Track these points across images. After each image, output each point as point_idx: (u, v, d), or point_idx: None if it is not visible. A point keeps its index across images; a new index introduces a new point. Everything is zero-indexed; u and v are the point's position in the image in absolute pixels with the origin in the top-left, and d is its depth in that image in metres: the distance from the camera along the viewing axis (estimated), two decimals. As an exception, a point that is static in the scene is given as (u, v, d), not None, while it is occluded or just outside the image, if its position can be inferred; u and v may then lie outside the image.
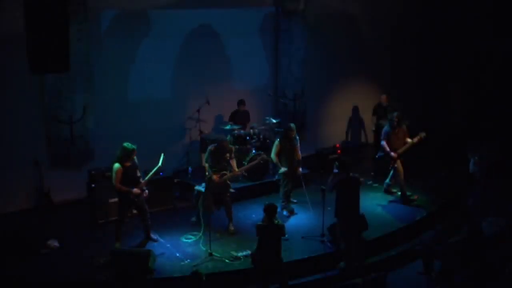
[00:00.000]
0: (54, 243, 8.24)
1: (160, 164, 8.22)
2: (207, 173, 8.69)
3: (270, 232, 7.05)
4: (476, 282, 7.38)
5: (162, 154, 8.26)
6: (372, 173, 11.21)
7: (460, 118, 13.54)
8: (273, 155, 9.42)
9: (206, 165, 8.74)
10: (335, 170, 8.08)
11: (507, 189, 10.54)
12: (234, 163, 8.83)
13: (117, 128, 10.12)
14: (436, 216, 9.62)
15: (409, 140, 9.92)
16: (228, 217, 8.90)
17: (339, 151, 11.97)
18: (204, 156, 8.91)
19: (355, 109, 13.25)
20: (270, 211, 7.08)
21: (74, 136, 9.68)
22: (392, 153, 9.83)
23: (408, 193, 10.11)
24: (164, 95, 10.96)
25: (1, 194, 9.27)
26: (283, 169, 9.31)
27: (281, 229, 7.16)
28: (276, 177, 9.62)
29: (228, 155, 8.72)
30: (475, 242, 7.58)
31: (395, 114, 9.91)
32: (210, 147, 8.75)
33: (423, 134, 9.82)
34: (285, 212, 9.46)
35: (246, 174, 10.34)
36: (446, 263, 7.73)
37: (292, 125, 9.40)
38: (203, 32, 11.14)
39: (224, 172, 8.61)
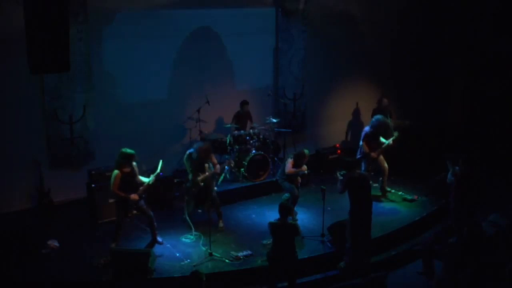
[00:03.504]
0: (54, 243, 8.24)
1: (158, 171, 8.19)
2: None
3: (283, 231, 7.07)
4: (476, 282, 7.38)
5: (161, 161, 8.24)
6: (372, 173, 11.21)
7: (460, 118, 13.54)
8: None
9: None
10: (340, 177, 8.10)
11: (507, 189, 10.56)
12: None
13: (117, 128, 10.13)
14: (436, 216, 9.62)
15: (384, 140, 10.07)
16: (217, 213, 8.97)
17: (339, 151, 11.98)
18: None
19: (355, 109, 13.24)
20: (284, 210, 7.11)
21: (74, 136, 9.69)
22: (372, 153, 9.97)
23: (391, 190, 10.46)
24: (164, 95, 10.96)
25: (1, 194, 9.27)
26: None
27: (294, 228, 7.20)
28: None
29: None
30: (475, 242, 7.58)
31: (397, 134, 10.11)
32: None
33: (396, 134, 10.05)
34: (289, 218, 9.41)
35: (246, 174, 10.40)
36: (446, 263, 7.72)
37: (307, 151, 9.29)
38: (203, 32, 11.13)
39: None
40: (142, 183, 8.15)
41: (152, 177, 8.17)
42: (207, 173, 8.77)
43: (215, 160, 8.97)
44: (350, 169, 8.03)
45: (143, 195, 8.19)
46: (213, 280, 7.05)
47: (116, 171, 7.91)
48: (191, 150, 8.86)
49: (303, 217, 9.46)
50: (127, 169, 7.95)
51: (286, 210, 7.15)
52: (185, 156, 8.92)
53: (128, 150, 7.95)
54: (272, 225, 7.10)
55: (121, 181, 7.91)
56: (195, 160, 8.74)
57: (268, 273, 7.28)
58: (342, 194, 8.03)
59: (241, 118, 11.15)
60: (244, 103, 11.09)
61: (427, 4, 13.17)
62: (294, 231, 7.18)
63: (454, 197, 8.36)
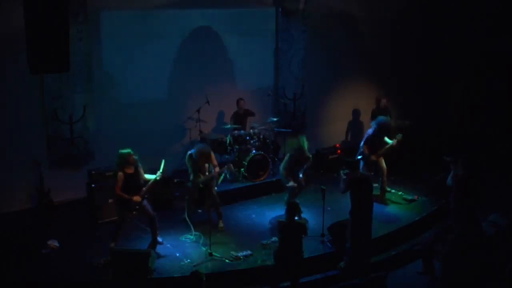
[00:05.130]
0: (54, 243, 8.24)
1: (161, 171, 8.16)
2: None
3: (291, 230, 7.07)
4: (476, 282, 7.38)
5: (163, 161, 8.20)
6: (372, 173, 11.21)
7: (460, 118, 13.55)
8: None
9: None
10: (344, 177, 8.09)
11: (507, 189, 10.56)
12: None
13: (117, 128, 10.14)
14: (436, 216, 9.62)
15: (388, 140, 10.01)
16: (217, 213, 8.99)
17: (339, 151, 11.98)
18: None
19: (355, 109, 13.24)
20: (292, 209, 7.10)
21: (74, 136, 9.69)
22: (372, 156, 9.91)
23: (391, 190, 10.40)
24: (164, 95, 10.96)
25: (1, 194, 9.27)
26: (291, 184, 9.14)
27: (302, 228, 7.19)
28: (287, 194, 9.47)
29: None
30: (475, 242, 7.58)
31: (400, 136, 9.95)
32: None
33: (399, 137, 9.91)
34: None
35: (246, 174, 10.40)
36: (446, 263, 7.73)
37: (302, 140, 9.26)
38: (203, 32, 11.14)
39: None
40: (147, 181, 8.11)
41: (158, 173, 8.11)
42: (207, 174, 8.79)
43: (215, 162, 8.97)
44: (353, 169, 8.04)
45: (146, 195, 8.18)
46: (213, 280, 7.04)
47: (119, 173, 7.89)
48: (192, 151, 8.87)
49: (303, 217, 9.46)
50: (130, 170, 7.94)
51: (293, 209, 7.13)
52: (187, 156, 8.93)
53: (124, 151, 7.91)
54: (280, 223, 7.10)
55: (124, 182, 7.89)
56: (195, 161, 8.75)
57: (273, 272, 7.28)
58: (344, 194, 8.04)
59: (240, 117, 11.15)
60: (238, 100, 11.08)
61: (427, 4, 13.17)
62: (301, 231, 7.16)
63: (454, 197, 8.35)
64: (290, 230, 7.08)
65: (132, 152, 7.96)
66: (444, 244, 7.86)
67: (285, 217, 7.13)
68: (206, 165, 8.82)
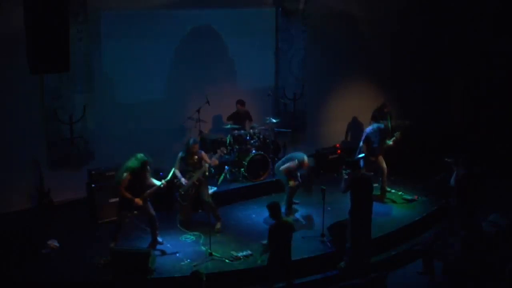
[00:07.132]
0: (54, 243, 8.24)
1: (168, 179, 8.16)
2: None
3: (282, 231, 7.06)
4: (476, 282, 7.38)
5: (173, 169, 8.22)
6: (371, 173, 11.20)
7: (460, 118, 13.55)
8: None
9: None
10: (346, 176, 8.10)
11: (507, 189, 10.56)
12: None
13: (117, 128, 10.14)
14: (436, 216, 9.62)
15: (386, 141, 10.01)
16: (214, 217, 8.93)
17: (339, 151, 11.98)
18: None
19: (355, 109, 13.23)
20: (274, 209, 7.09)
21: (74, 136, 9.69)
22: (371, 157, 9.89)
23: (391, 190, 10.38)
24: (164, 95, 10.96)
25: (1, 194, 9.27)
26: (292, 183, 9.23)
27: (291, 226, 7.19)
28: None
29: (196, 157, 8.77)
30: (475, 242, 7.59)
31: (398, 134, 10.00)
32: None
33: (398, 135, 9.95)
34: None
35: (246, 174, 10.36)
36: (446, 263, 7.73)
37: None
38: (203, 32, 11.13)
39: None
40: (152, 185, 8.10)
41: (163, 181, 8.13)
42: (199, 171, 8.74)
43: (207, 159, 8.88)
44: (354, 168, 8.05)
45: (148, 198, 8.17)
46: (213, 280, 7.04)
47: (126, 173, 7.87)
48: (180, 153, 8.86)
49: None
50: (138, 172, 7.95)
51: (272, 210, 7.08)
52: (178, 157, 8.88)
53: (144, 158, 7.91)
54: (271, 228, 7.07)
55: (129, 182, 7.89)
56: (185, 157, 8.71)
57: (268, 274, 7.27)
58: (344, 194, 8.05)
59: (239, 117, 11.14)
60: (237, 102, 11.08)
61: (427, 4, 13.17)
62: (291, 229, 7.16)
63: (455, 197, 8.36)
64: (281, 229, 7.06)
65: (148, 161, 7.96)
66: (444, 244, 7.87)
67: (272, 219, 7.10)
68: (196, 157, 8.76)
